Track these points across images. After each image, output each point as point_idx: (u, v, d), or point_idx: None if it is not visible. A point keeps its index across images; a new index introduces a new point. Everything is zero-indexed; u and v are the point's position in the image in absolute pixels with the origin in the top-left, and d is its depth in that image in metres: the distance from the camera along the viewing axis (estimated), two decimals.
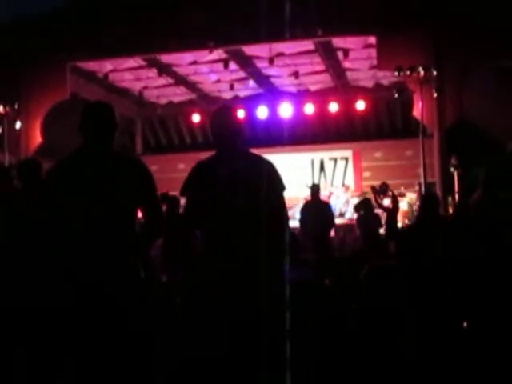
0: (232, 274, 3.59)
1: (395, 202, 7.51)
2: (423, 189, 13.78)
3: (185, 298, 5.17)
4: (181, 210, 9.84)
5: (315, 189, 11.68)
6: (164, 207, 8.48)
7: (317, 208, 11.27)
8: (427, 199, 6.35)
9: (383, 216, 12.62)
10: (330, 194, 17.25)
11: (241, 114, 16.89)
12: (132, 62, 16.61)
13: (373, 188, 12.81)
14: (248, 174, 3.71)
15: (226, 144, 3.83)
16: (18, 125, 15.30)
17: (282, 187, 3.82)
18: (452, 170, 14.97)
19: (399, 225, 11.34)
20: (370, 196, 14.59)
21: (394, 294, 3.92)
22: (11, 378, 4.33)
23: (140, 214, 3.62)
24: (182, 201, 4.34)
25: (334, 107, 18.48)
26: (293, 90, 19.32)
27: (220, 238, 3.68)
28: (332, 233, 14.71)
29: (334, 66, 17.26)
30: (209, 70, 17.46)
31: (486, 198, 5.00)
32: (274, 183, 3.77)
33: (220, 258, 3.66)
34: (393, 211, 10.57)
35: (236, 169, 3.71)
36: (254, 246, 3.52)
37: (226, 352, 3.52)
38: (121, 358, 3.37)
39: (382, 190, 13.02)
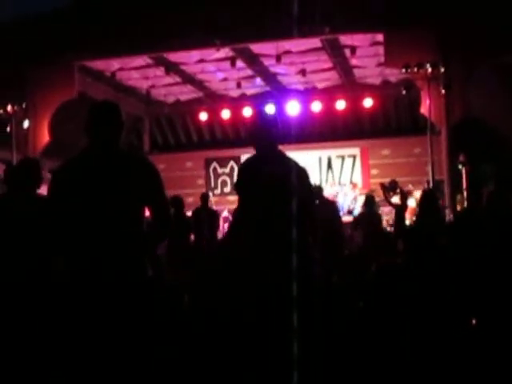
0: (267, 264, 3.88)
1: (404, 200, 7.50)
2: (431, 186, 13.74)
3: (194, 295, 5.19)
4: (185, 211, 9.88)
5: (316, 190, 11.62)
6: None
7: (322, 208, 11.22)
8: (426, 197, 6.35)
9: (391, 213, 12.62)
10: (337, 193, 17.21)
11: (246, 111, 16.89)
12: (139, 61, 16.63)
13: (382, 185, 12.78)
14: (287, 176, 3.95)
15: (266, 146, 4.13)
16: (25, 124, 15.35)
17: (313, 194, 4.29)
18: (460, 166, 14.92)
19: (407, 222, 11.30)
20: (379, 193, 14.58)
21: (401, 291, 3.92)
22: (14, 377, 4.35)
23: (148, 213, 3.62)
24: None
25: (341, 105, 18.45)
26: (300, 87, 19.30)
27: (255, 233, 4.02)
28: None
29: (342, 64, 17.23)
30: (216, 68, 17.46)
31: (497, 195, 4.99)
32: (309, 188, 4.26)
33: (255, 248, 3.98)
34: (401, 209, 10.55)
35: (277, 171, 4.01)
36: (288, 244, 3.78)
37: (258, 315, 3.73)
38: (128, 356, 3.37)
39: (391, 187, 13.00)
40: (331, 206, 11.53)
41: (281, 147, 4.20)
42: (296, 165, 4.12)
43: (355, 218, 12.80)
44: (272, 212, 3.96)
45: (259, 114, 4.35)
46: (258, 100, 18.66)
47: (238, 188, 4.24)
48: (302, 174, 4.14)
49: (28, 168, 4.98)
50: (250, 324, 3.78)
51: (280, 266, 3.81)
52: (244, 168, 4.26)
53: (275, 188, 3.95)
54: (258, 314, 3.80)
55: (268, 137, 4.13)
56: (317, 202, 11.56)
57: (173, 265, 8.29)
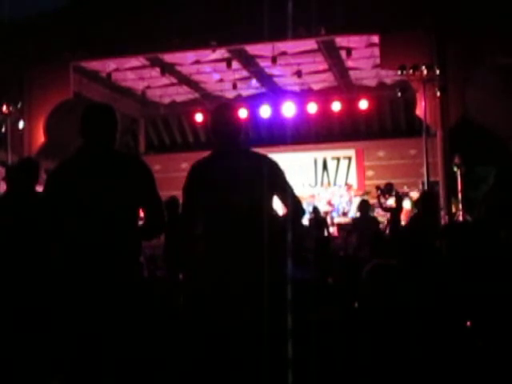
0: (233, 272, 3.57)
1: (399, 202, 7.54)
2: (426, 188, 13.78)
3: (186, 298, 5.18)
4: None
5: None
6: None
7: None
8: (425, 197, 6.36)
9: (386, 215, 12.66)
10: (332, 195, 17.25)
11: (242, 112, 16.91)
12: (135, 62, 16.64)
13: (377, 188, 12.81)
14: (249, 171, 3.67)
15: (226, 142, 3.78)
16: (21, 124, 15.32)
17: (286, 182, 3.78)
18: (455, 168, 14.95)
19: (402, 224, 11.33)
20: (374, 195, 14.61)
21: (396, 293, 3.92)
22: (12, 376, 4.35)
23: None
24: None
25: (336, 106, 18.47)
26: (296, 89, 19.33)
27: (221, 237, 3.66)
28: (333, 231, 14.72)
29: (337, 65, 17.27)
30: (212, 69, 17.48)
31: (496, 198, 5.00)
32: (278, 180, 3.73)
33: (221, 257, 3.63)
34: (396, 211, 10.57)
35: (236, 167, 3.68)
36: (256, 244, 3.53)
37: (227, 351, 3.53)
38: (121, 356, 3.38)
39: (386, 190, 13.04)
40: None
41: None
42: (263, 158, 3.77)
43: (351, 223, 12.82)
44: (236, 211, 3.62)
45: (217, 107, 4.04)
46: (253, 101, 18.68)
47: (187, 190, 3.75)
48: (271, 166, 3.73)
49: (30, 167, 5.02)
50: (238, 328, 3.67)
51: (247, 298, 3.52)
52: (199, 166, 3.80)
53: (236, 184, 3.62)
54: (238, 319, 3.62)
55: (227, 130, 3.77)
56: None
57: (170, 265, 8.29)
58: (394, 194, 13.38)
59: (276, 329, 3.31)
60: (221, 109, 4.01)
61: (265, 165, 3.71)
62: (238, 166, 3.69)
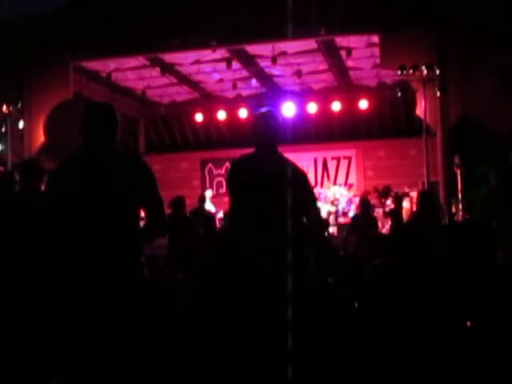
0: (260, 272, 3.85)
1: (398, 203, 7.55)
2: (426, 188, 13.78)
3: (188, 298, 5.18)
4: (186, 211, 9.88)
5: None
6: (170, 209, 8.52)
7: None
8: (423, 197, 6.36)
9: (386, 219, 12.70)
10: (334, 196, 17.20)
11: (242, 112, 16.89)
12: (135, 62, 16.63)
13: (375, 190, 12.87)
14: (281, 176, 3.90)
15: (266, 145, 4.13)
16: (21, 124, 15.32)
17: (312, 193, 4.26)
18: (455, 168, 14.94)
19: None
20: (374, 196, 14.62)
21: (396, 292, 3.93)
22: (12, 376, 4.35)
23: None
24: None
25: (336, 106, 18.46)
26: (296, 89, 19.31)
27: (249, 235, 3.96)
28: (333, 231, 14.71)
29: (337, 65, 17.26)
30: (212, 69, 17.46)
31: (498, 197, 5.00)
32: (308, 189, 4.20)
33: (248, 255, 3.94)
34: (396, 211, 10.60)
35: (274, 169, 3.98)
36: (281, 247, 3.69)
37: (255, 323, 3.68)
38: (121, 356, 3.38)
39: (384, 193, 13.09)
40: None
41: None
42: (295, 166, 4.13)
43: (351, 221, 12.82)
44: (268, 209, 3.93)
45: (262, 112, 4.33)
46: (253, 101, 18.67)
47: (231, 184, 4.18)
48: (300, 174, 4.16)
49: (37, 169, 5.06)
50: (246, 323, 3.77)
51: (275, 265, 3.77)
52: (238, 164, 4.23)
53: (271, 185, 3.93)
54: (253, 313, 3.79)
55: (267, 135, 4.16)
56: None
57: (173, 265, 8.30)
58: (391, 194, 13.42)
59: (298, 326, 3.40)
60: (266, 114, 4.34)
61: (296, 173, 4.06)
62: (274, 169, 4.01)
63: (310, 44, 15.46)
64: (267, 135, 4.16)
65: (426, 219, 6.17)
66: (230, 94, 19.50)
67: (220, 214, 15.50)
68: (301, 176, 4.16)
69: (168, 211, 8.10)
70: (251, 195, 4.01)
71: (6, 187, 5.20)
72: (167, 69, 17.03)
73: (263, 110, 4.41)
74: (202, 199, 11.52)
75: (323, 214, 14.66)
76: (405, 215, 13.16)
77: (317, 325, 3.74)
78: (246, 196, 4.04)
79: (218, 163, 19.88)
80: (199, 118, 19.59)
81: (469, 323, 4.64)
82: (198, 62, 16.75)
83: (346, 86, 18.89)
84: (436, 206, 7.78)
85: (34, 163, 5.31)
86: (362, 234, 10.88)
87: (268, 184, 3.94)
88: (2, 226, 4.83)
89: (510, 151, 4.97)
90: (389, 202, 12.97)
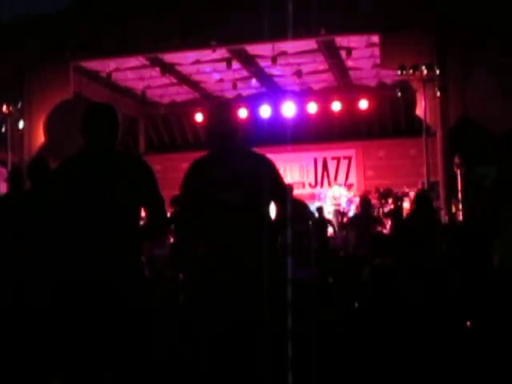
0: (231, 272, 3.58)
1: (398, 203, 7.56)
2: (426, 188, 13.79)
3: (187, 298, 5.17)
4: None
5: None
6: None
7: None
8: (418, 198, 6.38)
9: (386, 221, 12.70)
10: (334, 195, 17.20)
11: (242, 112, 16.91)
12: (135, 62, 16.63)
13: (377, 190, 12.89)
14: (245, 171, 3.67)
15: (222, 141, 3.76)
16: (21, 124, 15.32)
17: (281, 183, 3.80)
18: (455, 168, 14.95)
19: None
20: (374, 196, 14.63)
21: (396, 292, 3.93)
22: (12, 376, 4.35)
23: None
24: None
25: (337, 106, 18.45)
26: (296, 88, 19.31)
27: (218, 236, 3.65)
28: (331, 231, 14.69)
29: (337, 65, 17.26)
30: (212, 69, 17.47)
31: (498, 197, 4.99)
32: (274, 180, 3.73)
33: (219, 258, 3.64)
34: (397, 211, 10.61)
35: (233, 166, 3.67)
36: (254, 244, 3.52)
37: (227, 352, 3.52)
38: (122, 356, 3.38)
39: (384, 194, 13.11)
40: (299, 206, 11.35)
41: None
42: (260, 158, 3.78)
43: (351, 219, 12.83)
44: (232, 212, 3.60)
45: (212, 110, 4.03)
46: (253, 101, 18.67)
47: (184, 189, 3.77)
48: (268, 166, 3.73)
49: (45, 168, 5.07)
50: (236, 326, 3.66)
51: (243, 280, 3.54)
52: (193, 168, 3.78)
53: (231, 186, 3.60)
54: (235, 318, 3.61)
55: (220, 131, 3.74)
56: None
57: (173, 264, 8.28)
58: (392, 196, 13.44)
59: (274, 328, 3.30)
60: (217, 109, 4.03)
61: (262, 165, 3.72)
62: (235, 166, 3.68)
63: (310, 44, 15.46)
64: (223, 130, 3.75)
65: (422, 220, 6.17)
66: (230, 94, 19.50)
67: None
68: (268, 167, 3.72)
69: (169, 210, 8.08)
70: (203, 204, 3.66)
71: (14, 185, 5.20)
72: (167, 69, 17.03)
73: (216, 104, 4.16)
74: None
75: (324, 214, 14.63)
76: (405, 215, 13.16)
77: (317, 325, 3.74)
78: (201, 204, 3.68)
79: None
80: (199, 118, 19.57)
81: (469, 323, 4.64)
82: (198, 61, 16.75)
83: (346, 86, 18.90)
84: (431, 206, 7.79)
85: (44, 162, 5.30)
86: (362, 233, 10.87)
87: (226, 189, 3.59)
88: (11, 225, 4.83)
89: (506, 152, 4.93)
90: (389, 202, 12.99)
